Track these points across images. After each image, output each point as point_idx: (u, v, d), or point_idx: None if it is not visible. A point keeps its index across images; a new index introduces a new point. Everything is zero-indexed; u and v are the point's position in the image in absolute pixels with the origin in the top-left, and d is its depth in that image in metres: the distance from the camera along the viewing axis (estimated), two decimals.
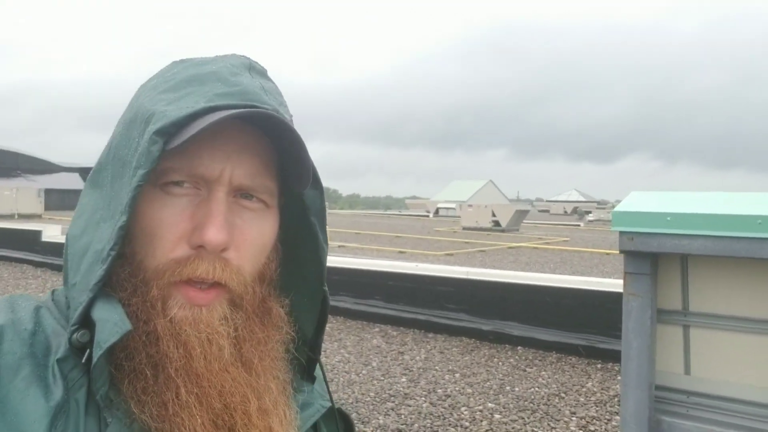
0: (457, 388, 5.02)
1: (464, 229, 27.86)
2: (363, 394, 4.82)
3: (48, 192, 30.76)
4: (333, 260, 8.41)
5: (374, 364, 5.66)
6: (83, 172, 41.18)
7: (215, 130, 0.61)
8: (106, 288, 0.61)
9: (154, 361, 0.60)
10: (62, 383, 0.58)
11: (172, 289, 0.62)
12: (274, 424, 0.65)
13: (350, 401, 4.63)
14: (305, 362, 0.77)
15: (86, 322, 0.59)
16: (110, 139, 0.69)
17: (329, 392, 0.80)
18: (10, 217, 23.23)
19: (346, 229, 23.85)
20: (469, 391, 4.98)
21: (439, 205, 49.56)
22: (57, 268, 10.74)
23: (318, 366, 0.79)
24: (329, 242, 0.76)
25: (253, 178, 0.66)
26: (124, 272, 0.62)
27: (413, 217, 41.11)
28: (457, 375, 5.39)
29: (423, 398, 4.77)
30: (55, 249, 11.20)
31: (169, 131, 0.60)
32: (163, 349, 0.60)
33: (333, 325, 7.12)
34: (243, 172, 0.65)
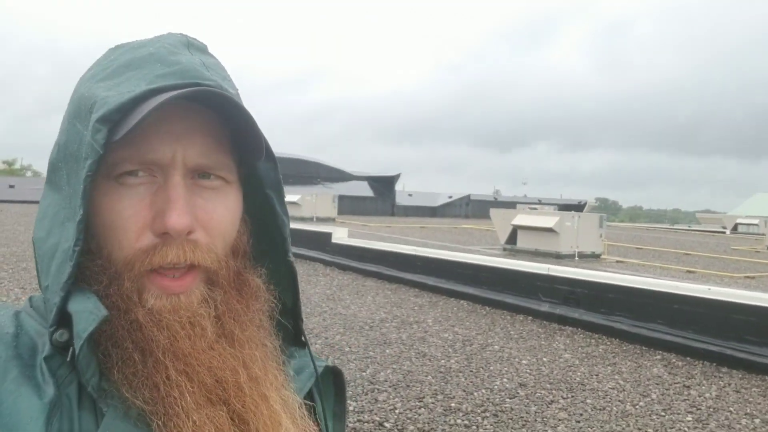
0: None
1: None
2: (639, 429, 4.33)
3: (341, 198, 33.99)
4: (609, 276, 7.83)
5: (654, 396, 5.08)
6: (371, 180, 44.82)
7: (161, 113, 0.60)
8: (80, 283, 0.62)
9: (140, 346, 0.61)
10: (52, 380, 0.58)
11: (145, 279, 0.63)
12: (266, 390, 0.66)
13: None
14: (292, 328, 0.78)
15: (64, 320, 0.60)
16: (57, 137, 0.68)
17: (311, 355, 0.80)
18: (309, 219, 26.08)
19: (626, 244, 22.31)
20: None
21: (739, 221, 43.99)
22: (342, 267, 11.72)
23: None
24: None
25: (207, 156, 0.65)
26: (96, 266, 0.63)
27: (705, 233, 37.05)
28: (757, 421, 4.59)
29: None
30: (343, 250, 12.22)
31: (112, 118, 0.60)
32: (148, 335, 0.61)
33: (607, 348, 6.60)
34: (195, 151, 0.65)
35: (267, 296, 0.72)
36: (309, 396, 0.78)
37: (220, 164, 0.67)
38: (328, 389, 0.84)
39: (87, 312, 0.59)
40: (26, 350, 0.61)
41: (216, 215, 0.66)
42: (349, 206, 37.97)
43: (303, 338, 0.80)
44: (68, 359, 0.59)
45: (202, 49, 0.71)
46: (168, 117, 0.63)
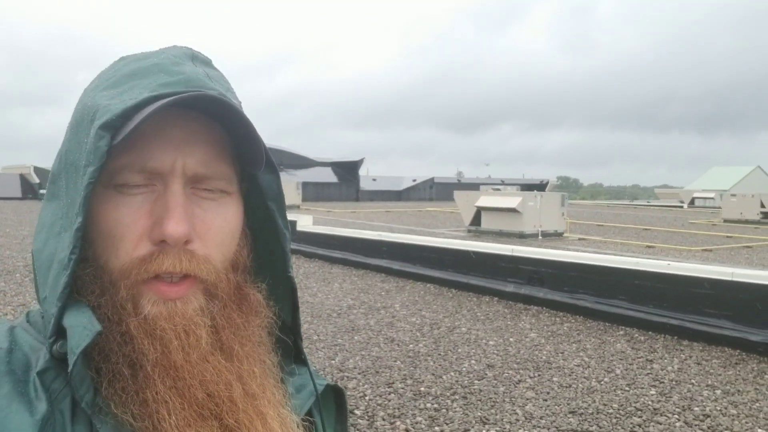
0: (718, 408, 4.38)
1: (725, 221, 24.99)
2: (605, 404, 4.42)
3: (305, 185, 33.82)
4: (571, 255, 7.95)
5: (618, 371, 5.19)
6: (335, 166, 44.66)
7: (163, 121, 0.60)
8: (75, 295, 0.61)
9: (130, 359, 0.60)
10: (45, 396, 0.57)
11: (142, 287, 0.62)
12: (263, 407, 0.65)
13: (590, 411, 4.27)
14: (292, 345, 0.77)
15: (62, 331, 0.59)
16: (60, 148, 0.67)
17: (310, 371, 0.78)
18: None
19: (587, 221, 22.70)
20: (734, 412, 4.31)
21: (695, 195, 45.11)
22: (308, 255, 11.68)
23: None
24: None
25: (207, 165, 0.65)
26: (88, 275, 0.62)
27: (664, 208, 37.88)
28: (718, 392, 4.72)
29: (676, 416, 4.23)
30: (308, 238, 12.18)
31: (114, 125, 0.59)
32: (139, 347, 0.60)
33: (572, 325, 6.71)
34: (195, 160, 0.64)
35: (267, 312, 0.71)
36: (309, 414, 0.77)
37: (220, 174, 0.66)
38: (329, 408, 0.83)
39: (81, 327, 0.58)
40: (19, 366, 0.60)
41: (214, 226, 0.65)
42: (313, 193, 37.80)
43: (302, 356, 0.79)
44: (69, 371, 0.58)
45: (206, 62, 0.71)
46: (169, 125, 0.63)
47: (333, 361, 5.31)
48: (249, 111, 0.66)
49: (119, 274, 0.62)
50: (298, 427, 0.71)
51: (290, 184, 30.37)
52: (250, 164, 0.69)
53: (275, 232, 0.74)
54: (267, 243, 0.74)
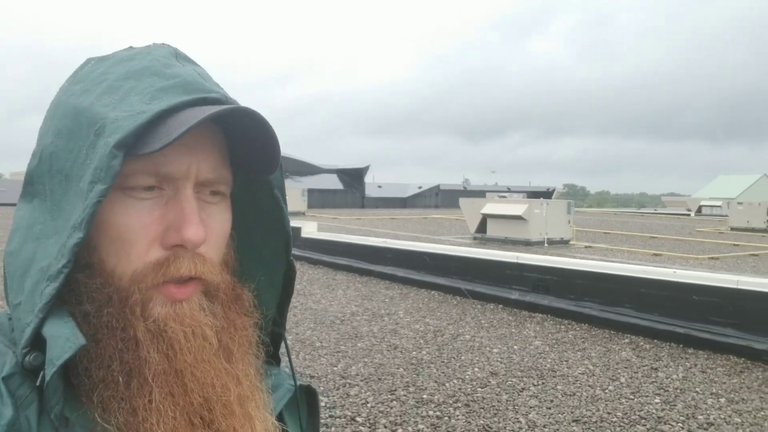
0: (722, 416, 4.34)
1: (732, 229, 24.85)
2: (609, 413, 4.38)
3: (310, 192, 33.85)
4: (577, 262, 7.91)
5: (623, 379, 5.15)
6: (341, 173, 44.70)
7: (176, 127, 0.58)
8: (62, 305, 0.59)
9: (128, 367, 0.59)
10: (11, 401, 0.56)
11: (153, 291, 0.62)
12: (251, 409, 0.66)
13: (594, 420, 4.24)
14: (270, 344, 0.78)
15: (37, 342, 0.58)
16: (38, 149, 0.65)
17: (292, 368, 0.80)
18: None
19: (594, 229, 22.62)
20: (738, 420, 4.27)
21: (702, 203, 44.92)
22: (313, 262, 11.67)
23: (283, 342, 0.81)
24: None
25: (215, 171, 0.66)
26: (95, 283, 0.61)
27: (671, 216, 37.74)
28: (723, 400, 4.68)
29: (680, 424, 4.20)
30: (313, 244, 12.17)
31: (128, 142, 0.58)
32: (143, 354, 0.59)
33: (577, 333, 6.68)
34: (208, 166, 0.65)
35: (256, 312, 0.72)
36: (279, 415, 0.77)
37: (223, 179, 0.67)
38: (302, 409, 0.83)
39: (63, 338, 0.56)
40: None
41: (215, 229, 0.66)
42: (318, 199, 37.82)
43: (287, 353, 0.80)
44: (37, 384, 0.57)
45: (189, 59, 0.71)
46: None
47: (336, 368, 5.29)
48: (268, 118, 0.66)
49: (131, 279, 0.61)
50: (275, 429, 0.70)
51: (296, 191, 30.40)
52: (263, 170, 0.69)
53: (281, 219, 0.75)
54: (275, 230, 0.76)
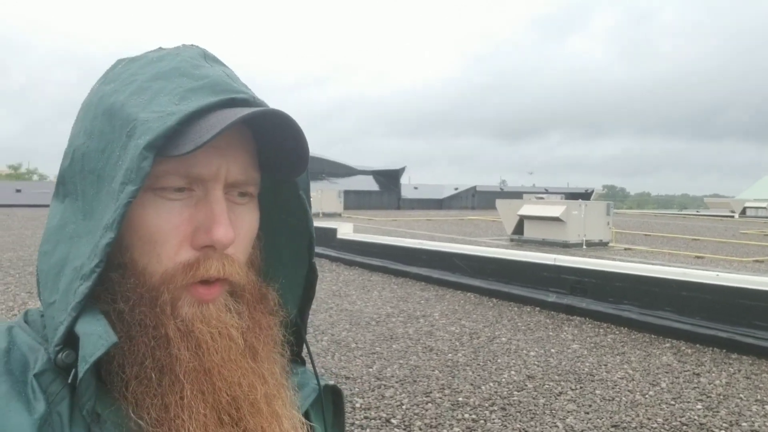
0: (767, 423, 4.22)
1: None
2: (649, 419, 4.29)
3: (347, 193, 33.99)
4: (615, 264, 7.78)
5: (663, 385, 5.04)
6: (377, 174, 44.78)
7: (207, 128, 0.59)
8: (95, 303, 0.60)
9: (160, 364, 0.60)
10: (43, 397, 0.58)
11: (182, 291, 0.62)
12: (278, 407, 0.66)
13: (633, 425, 4.16)
14: (294, 344, 0.78)
15: (69, 340, 0.58)
16: (70, 149, 0.66)
17: (315, 370, 0.80)
18: (315, 215, 26.15)
19: (634, 231, 22.21)
20: None
21: (747, 204, 43.72)
22: (348, 263, 11.70)
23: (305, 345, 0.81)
24: None
25: (245, 172, 0.66)
26: (129, 282, 0.62)
27: (714, 218, 36.84)
28: None
29: (723, 431, 4.09)
30: (348, 246, 12.21)
31: (158, 144, 0.59)
32: (174, 352, 0.60)
33: (616, 337, 6.56)
34: (238, 168, 0.65)
35: (281, 311, 0.72)
36: (305, 413, 0.77)
37: (252, 180, 0.67)
38: (328, 409, 0.83)
39: (96, 336, 0.57)
40: (18, 366, 0.60)
41: (243, 230, 0.67)
42: (354, 201, 37.94)
43: (309, 354, 0.81)
44: (69, 381, 0.58)
45: (218, 60, 0.71)
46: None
47: (371, 369, 5.29)
48: (301, 120, 0.64)
49: (161, 279, 0.62)
50: (302, 426, 0.71)
51: (332, 192, 30.55)
52: (292, 171, 0.69)
53: (306, 221, 0.76)
54: (299, 232, 0.77)
